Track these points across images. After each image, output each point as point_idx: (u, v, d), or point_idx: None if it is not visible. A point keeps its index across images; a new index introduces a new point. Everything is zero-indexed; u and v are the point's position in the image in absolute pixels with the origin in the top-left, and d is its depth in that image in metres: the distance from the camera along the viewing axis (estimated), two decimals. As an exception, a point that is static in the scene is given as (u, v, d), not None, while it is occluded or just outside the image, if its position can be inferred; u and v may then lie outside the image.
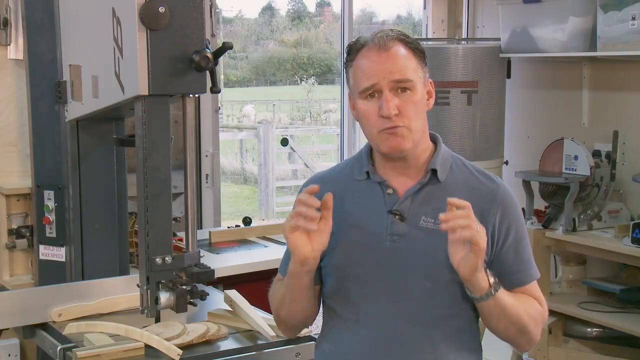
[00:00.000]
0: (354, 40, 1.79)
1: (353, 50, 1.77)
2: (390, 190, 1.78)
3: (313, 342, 2.07)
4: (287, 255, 1.90)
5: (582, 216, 3.80)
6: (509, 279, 1.78)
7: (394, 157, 1.76)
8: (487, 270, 1.68)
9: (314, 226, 1.65)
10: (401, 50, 1.72)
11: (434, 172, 1.78)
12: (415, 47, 1.75)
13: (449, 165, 1.81)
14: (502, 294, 1.69)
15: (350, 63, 1.77)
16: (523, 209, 3.93)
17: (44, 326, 2.30)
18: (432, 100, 1.79)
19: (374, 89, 1.71)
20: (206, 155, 3.77)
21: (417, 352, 1.74)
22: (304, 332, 2.14)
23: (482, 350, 1.85)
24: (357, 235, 1.77)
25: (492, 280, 1.67)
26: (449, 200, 1.60)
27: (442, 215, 1.59)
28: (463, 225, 1.58)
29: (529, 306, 1.77)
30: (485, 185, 1.80)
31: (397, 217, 1.75)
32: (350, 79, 1.78)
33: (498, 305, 1.69)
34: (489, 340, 2.03)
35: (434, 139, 1.84)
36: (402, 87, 1.71)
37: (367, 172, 1.81)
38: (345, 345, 1.80)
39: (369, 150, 1.84)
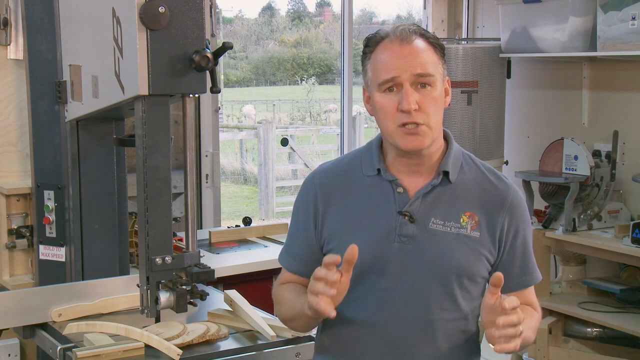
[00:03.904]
0: (372, 33, 1.76)
1: (372, 42, 1.74)
2: (400, 189, 1.76)
3: (313, 342, 2.07)
4: (288, 248, 1.89)
5: (582, 216, 3.81)
6: (515, 281, 1.79)
7: (410, 154, 1.74)
8: None
9: (334, 291, 1.57)
10: (422, 44, 1.70)
11: (446, 173, 1.77)
12: (435, 43, 1.73)
13: (460, 165, 1.79)
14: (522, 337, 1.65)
15: (368, 55, 1.74)
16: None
17: (44, 326, 2.30)
18: (449, 98, 1.77)
19: (393, 83, 1.68)
20: (206, 155, 3.77)
21: (420, 353, 1.74)
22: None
23: (480, 353, 1.86)
24: (366, 234, 1.75)
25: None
26: (504, 307, 1.54)
27: (500, 320, 1.55)
28: (511, 335, 1.56)
29: (532, 322, 1.78)
30: (496, 186, 1.79)
31: (406, 218, 1.74)
32: (368, 71, 1.74)
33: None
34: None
35: (445, 137, 1.82)
36: (422, 82, 1.68)
37: (378, 169, 1.78)
38: (347, 342, 1.80)
39: (380, 145, 1.81)
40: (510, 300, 1.55)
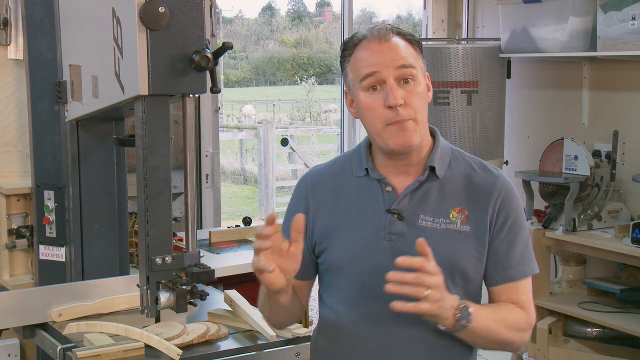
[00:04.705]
0: (349, 36, 1.78)
1: (350, 45, 1.74)
2: (389, 188, 1.76)
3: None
4: None
5: (582, 216, 3.81)
6: (500, 273, 1.75)
7: (398, 155, 1.74)
8: (461, 307, 1.62)
9: (267, 243, 1.59)
10: (400, 41, 1.72)
11: (432, 168, 1.76)
12: (413, 40, 1.74)
13: (448, 160, 1.79)
14: (475, 323, 1.63)
15: (347, 58, 1.75)
16: (523, 208, 3.93)
17: (44, 326, 2.30)
18: (430, 93, 1.77)
19: (376, 79, 1.68)
20: (206, 155, 3.77)
21: (412, 351, 1.74)
22: (304, 331, 2.14)
23: (476, 351, 1.85)
24: (356, 233, 1.76)
25: (458, 316, 1.61)
26: (397, 262, 1.55)
27: (390, 274, 1.55)
28: (408, 294, 1.55)
29: (509, 317, 1.72)
30: (484, 178, 1.78)
31: (395, 216, 1.74)
32: (349, 73, 1.75)
33: (470, 334, 1.66)
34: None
35: (432, 133, 1.82)
36: (405, 75, 1.68)
37: (366, 169, 1.79)
38: (341, 343, 1.79)
39: (368, 146, 1.82)
40: (406, 258, 1.55)
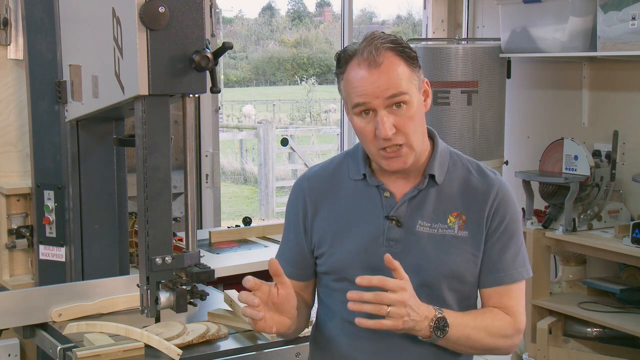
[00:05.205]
0: (342, 49, 1.74)
1: (342, 61, 1.71)
2: (387, 194, 1.76)
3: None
4: (281, 252, 1.92)
5: (582, 216, 3.81)
6: (490, 276, 1.75)
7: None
8: (437, 317, 1.63)
9: (260, 314, 1.64)
10: (392, 61, 1.66)
11: (432, 176, 1.76)
12: (407, 55, 1.68)
13: (446, 165, 1.78)
14: (454, 332, 1.65)
15: (340, 75, 1.72)
16: (523, 209, 3.93)
17: (44, 326, 2.30)
18: (429, 100, 1.75)
19: (366, 107, 1.67)
20: (206, 155, 3.77)
21: (411, 353, 1.73)
22: (304, 332, 2.14)
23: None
24: (354, 238, 1.76)
25: (434, 327, 1.62)
26: (357, 281, 1.57)
27: (349, 294, 1.57)
28: (369, 312, 1.57)
29: (493, 324, 1.71)
30: (482, 182, 1.76)
31: (393, 222, 1.74)
32: (342, 91, 1.73)
33: (450, 342, 1.67)
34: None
35: (430, 135, 1.80)
36: (396, 102, 1.65)
37: (364, 174, 1.78)
38: (340, 344, 1.80)
39: (365, 152, 1.81)
40: (364, 277, 1.57)
